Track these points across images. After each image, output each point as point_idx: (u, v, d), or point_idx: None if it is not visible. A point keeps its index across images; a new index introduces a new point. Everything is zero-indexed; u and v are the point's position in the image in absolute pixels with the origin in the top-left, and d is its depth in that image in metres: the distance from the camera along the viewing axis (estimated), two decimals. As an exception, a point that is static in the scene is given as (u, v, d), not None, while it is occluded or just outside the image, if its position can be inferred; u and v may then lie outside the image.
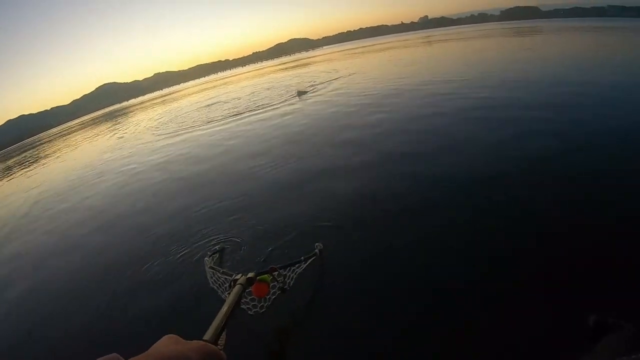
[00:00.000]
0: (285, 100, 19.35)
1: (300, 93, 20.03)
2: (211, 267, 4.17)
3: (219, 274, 3.85)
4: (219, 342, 1.43)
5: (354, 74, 26.24)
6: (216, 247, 5.42)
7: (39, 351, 4.51)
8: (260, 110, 17.66)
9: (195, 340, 1.08)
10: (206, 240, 5.89)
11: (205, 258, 4.72)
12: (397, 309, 3.83)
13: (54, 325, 4.91)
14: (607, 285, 3.50)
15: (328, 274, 4.54)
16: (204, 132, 15.86)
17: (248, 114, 17.41)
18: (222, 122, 17.34)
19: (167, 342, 0.97)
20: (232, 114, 18.79)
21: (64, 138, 42.96)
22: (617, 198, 5.00)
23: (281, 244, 5.33)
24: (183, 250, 5.80)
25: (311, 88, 21.37)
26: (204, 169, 10.00)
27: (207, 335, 1.39)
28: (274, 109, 17.72)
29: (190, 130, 17.60)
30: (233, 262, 5.12)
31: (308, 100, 17.76)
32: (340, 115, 12.85)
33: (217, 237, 5.92)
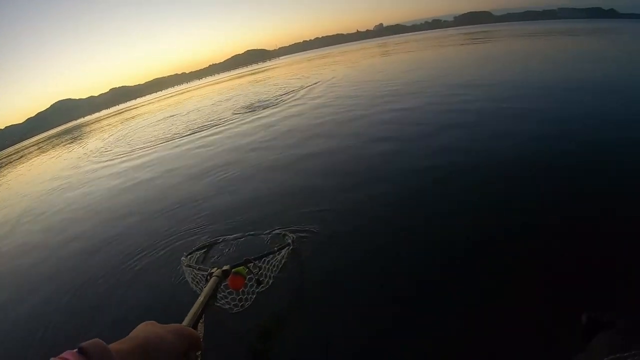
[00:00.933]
0: (245, 113, 17.52)
1: (257, 106, 19.06)
2: (188, 265, 4.11)
3: (195, 271, 3.81)
4: (197, 330, 1.45)
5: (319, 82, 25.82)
6: (193, 247, 5.24)
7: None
8: (212, 129, 15.86)
9: (173, 324, 1.10)
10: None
11: (182, 258, 4.57)
12: (378, 303, 3.76)
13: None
14: (601, 282, 3.45)
15: (307, 271, 4.47)
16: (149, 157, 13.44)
17: (197, 134, 15.52)
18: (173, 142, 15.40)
19: (146, 327, 1.00)
20: (179, 134, 16.68)
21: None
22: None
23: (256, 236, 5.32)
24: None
25: (269, 100, 20.23)
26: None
27: (185, 322, 1.41)
28: (231, 123, 15.66)
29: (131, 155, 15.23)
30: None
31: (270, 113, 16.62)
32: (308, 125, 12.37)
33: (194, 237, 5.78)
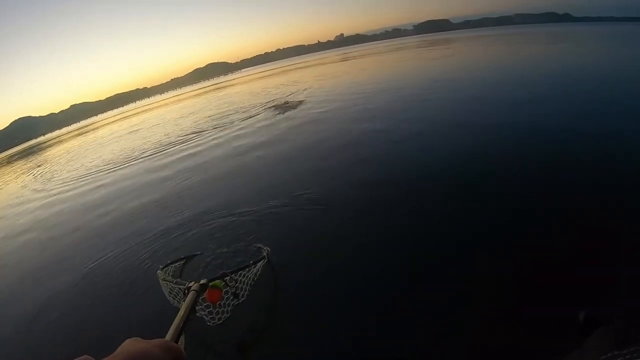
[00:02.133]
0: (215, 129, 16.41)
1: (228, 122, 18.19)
2: (164, 279, 4.14)
3: (172, 285, 3.88)
4: (179, 343, 1.44)
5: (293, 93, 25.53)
6: (167, 260, 5.20)
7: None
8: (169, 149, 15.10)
9: (158, 339, 1.05)
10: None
11: (158, 271, 4.60)
12: (355, 309, 3.83)
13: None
14: (598, 281, 3.50)
15: (281, 281, 4.55)
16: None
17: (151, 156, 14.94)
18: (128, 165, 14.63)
19: (132, 343, 0.95)
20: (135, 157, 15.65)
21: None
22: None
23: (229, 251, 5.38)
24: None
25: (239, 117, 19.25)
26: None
27: (168, 336, 1.43)
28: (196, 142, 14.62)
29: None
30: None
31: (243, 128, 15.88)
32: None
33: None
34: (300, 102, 17.75)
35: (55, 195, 12.90)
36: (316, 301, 4.05)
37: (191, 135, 16.13)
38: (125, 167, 14.15)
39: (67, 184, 14.38)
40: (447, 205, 5.47)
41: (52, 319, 4.91)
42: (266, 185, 7.63)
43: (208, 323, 3.65)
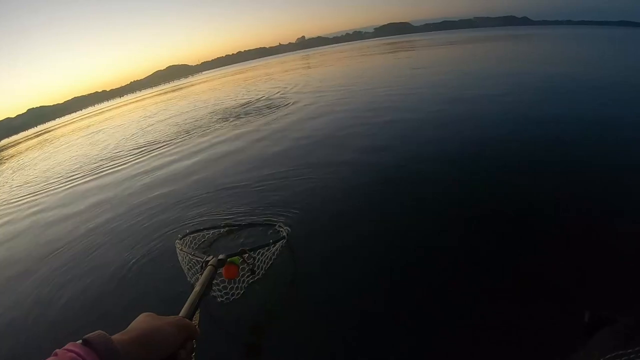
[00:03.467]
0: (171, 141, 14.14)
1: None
2: (182, 250, 4.11)
3: (190, 256, 3.82)
4: (194, 320, 1.45)
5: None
6: (186, 230, 5.19)
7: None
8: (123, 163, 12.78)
9: (172, 316, 1.16)
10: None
11: (176, 241, 4.56)
12: (370, 294, 3.85)
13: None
14: (602, 280, 3.50)
15: (300, 262, 4.60)
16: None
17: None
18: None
19: (145, 319, 1.04)
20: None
21: None
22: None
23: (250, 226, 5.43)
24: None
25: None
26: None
27: (183, 312, 1.43)
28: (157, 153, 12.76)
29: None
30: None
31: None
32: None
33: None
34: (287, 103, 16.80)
35: None
36: (336, 285, 4.04)
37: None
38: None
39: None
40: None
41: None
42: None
43: (218, 299, 3.65)
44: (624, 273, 3.52)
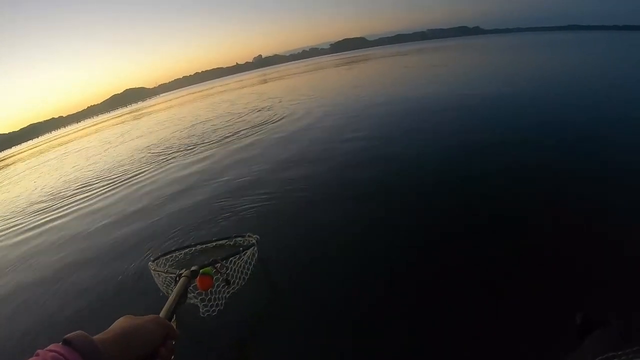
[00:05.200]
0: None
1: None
2: (156, 270, 4.18)
3: (164, 274, 3.90)
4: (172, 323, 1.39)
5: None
6: (158, 252, 5.29)
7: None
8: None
9: (151, 315, 1.16)
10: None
11: (150, 263, 4.62)
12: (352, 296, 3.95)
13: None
14: (595, 283, 3.52)
15: (272, 269, 4.74)
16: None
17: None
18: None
19: (125, 319, 1.04)
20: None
21: None
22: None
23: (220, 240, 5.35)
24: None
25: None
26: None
27: (161, 314, 1.43)
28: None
29: None
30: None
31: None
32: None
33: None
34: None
35: None
36: (313, 291, 4.12)
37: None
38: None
39: None
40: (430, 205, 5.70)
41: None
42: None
43: (202, 314, 3.69)
44: (616, 275, 3.54)
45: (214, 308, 3.70)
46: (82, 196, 11.18)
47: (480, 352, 2.98)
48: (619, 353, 0.91)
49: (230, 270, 3.88)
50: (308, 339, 3.49)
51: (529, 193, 5.53)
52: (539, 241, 4.34)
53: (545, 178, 5.93)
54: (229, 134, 14.66)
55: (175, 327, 1.39)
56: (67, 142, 43.00)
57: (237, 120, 18.10)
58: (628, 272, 3.55)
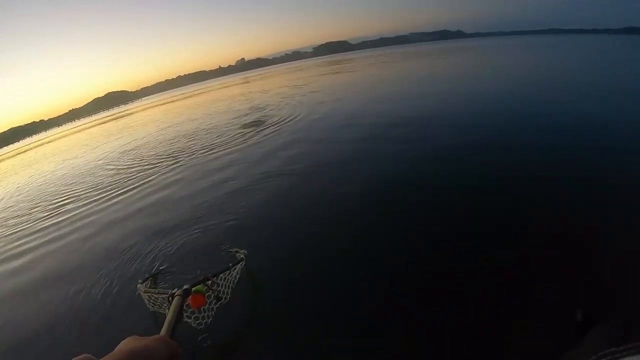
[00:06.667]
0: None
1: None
2: (146, 291, 4.11)
3: (155, 295, 3.89)
4: None
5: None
6: (146, 274, 5.26)
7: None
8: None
9: (155, 335, 1.14)
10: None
11: (138, 285, 4.59)
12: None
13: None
14: (595, 279, 3.55)
15: (260, 283, 4.70)
16: None
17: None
18: None
19: (130, 340, 1.01)
20: None
21: None
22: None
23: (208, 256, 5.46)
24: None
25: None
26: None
27: (162, 333, 1.47)
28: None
29: None
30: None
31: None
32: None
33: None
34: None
35: None
36: (298, 302, 4.15)
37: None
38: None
39: None
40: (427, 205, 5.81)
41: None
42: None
43: (193, 325, 3.63)
44: (616, 272, 3.58)
45: (204, 320, 3.68)
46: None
47: (481, 350, 3.00)
48: (621, 348, 0.88)
49: (221, 287, 3.91)
50: (296, 346, 3.52)
51: (529, 193, 5.58)
52: (540, 241, 4.37)
53: (545, 178, 6.02)
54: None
55: None
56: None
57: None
58: (629, 268, 3.58)
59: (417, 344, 3.26)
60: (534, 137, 8.36)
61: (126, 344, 0.99)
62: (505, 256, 4.19)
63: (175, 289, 2.94)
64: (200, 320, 3.65)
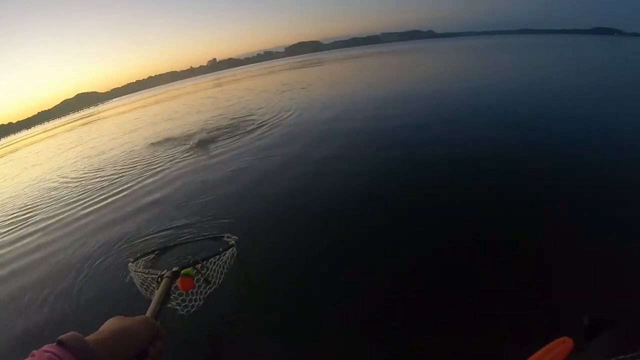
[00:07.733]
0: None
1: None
2: (136, 271, 4.14)
3: (144, 275, 3.87)
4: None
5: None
6: (137, 253, 5.31)
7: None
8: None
9: (139, 315, 1.21)
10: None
11: (129, 264, 4.59)
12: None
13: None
14: (602, 285, 3.54)
15: (252, 270, 4.84)
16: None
17: None
18: None
19: (115, 320, 1.08)
20: None
21: None
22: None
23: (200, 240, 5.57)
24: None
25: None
26: None
27: (148, 314, 1.54)
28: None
29: None
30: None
31: None
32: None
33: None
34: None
35: None
36: (287, 289, 4.27)
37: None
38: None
39: None
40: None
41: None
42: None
43: (180, 312, 3.67)
44: (623, 277, 3.58)
45: (192, 304, 3.71)
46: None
47: (483, 355, 3.00)
48: (628, 356, 0.91)
49: (211, 271, 3.93)
50: (286, 335, 3.59)
51: (530, 195, 5.62)
52: (545, 244, 4.37)
53: (545, 178, 6.07)
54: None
55: None
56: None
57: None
58: (636, 273, 3.59)
59: (414, 330, 3.33)
60: (503, 133, 8.86)
61: (111, 324, 1.06)
62: (508, 257, 4.21)
63: (165, 271, 3.08)
64: (187, 304, 3.68)
